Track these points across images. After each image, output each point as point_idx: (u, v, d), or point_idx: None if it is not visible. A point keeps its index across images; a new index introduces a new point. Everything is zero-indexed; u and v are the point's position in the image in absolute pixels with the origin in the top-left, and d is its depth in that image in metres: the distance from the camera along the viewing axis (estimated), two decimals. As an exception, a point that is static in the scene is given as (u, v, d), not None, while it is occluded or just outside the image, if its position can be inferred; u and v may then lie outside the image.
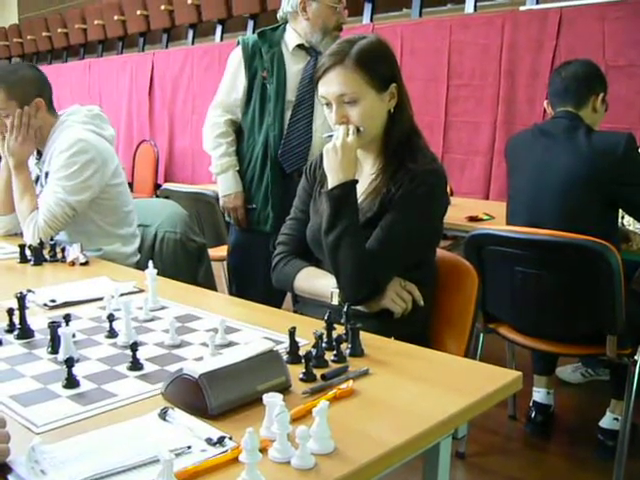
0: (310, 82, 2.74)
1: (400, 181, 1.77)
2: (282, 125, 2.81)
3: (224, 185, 2.93)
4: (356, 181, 1.79)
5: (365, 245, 1.74)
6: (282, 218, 2.06)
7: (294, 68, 2.85)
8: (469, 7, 4.98)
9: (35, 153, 2.57)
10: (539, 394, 2.91)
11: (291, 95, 2.82)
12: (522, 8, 4.47)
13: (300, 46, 2.86)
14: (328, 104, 1.82)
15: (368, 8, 5.55)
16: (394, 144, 1.84)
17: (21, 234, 2.50)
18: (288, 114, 2.82)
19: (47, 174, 2.45)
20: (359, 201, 1.80)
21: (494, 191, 4.32)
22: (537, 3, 4.55)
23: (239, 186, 2.91)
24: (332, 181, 1.78)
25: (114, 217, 2.51)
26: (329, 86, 1.80)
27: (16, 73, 2.48)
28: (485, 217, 3.10)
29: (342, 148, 1.76)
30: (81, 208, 2.40)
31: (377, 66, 1.80)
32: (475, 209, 3.27)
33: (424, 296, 1.80)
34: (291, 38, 2.88)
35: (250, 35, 2.94)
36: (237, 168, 2.92)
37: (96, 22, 8.38)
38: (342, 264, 1.74)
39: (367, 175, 1.88)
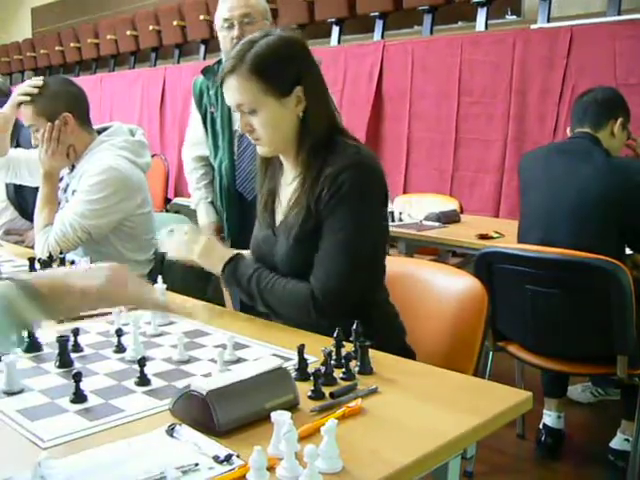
0: None
1: (320, 188, 1.64)
2: (232, 156, 2.85)
3: (199, 217, 3.05)
4: (231, 258, 1.74)
5: (289, 287, 1.66)
6: (240, 246, 2.04)
7: None
8: (480, 25, 5.00)
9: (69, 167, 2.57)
10: (550, 418, 2.87)
11: (238, 125, 2.84)
12: (533, 26, 4.48)
13: None
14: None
15: (379, 25, 5.58)
16: (306, 151, 1.69)
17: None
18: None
19: (73, 192, 2.45)
20: (285, 216, 1.73)
21: (504, 209, 4.31)
22: (548, 21, 4.56)
23: (210, 217, 3.00)
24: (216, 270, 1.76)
25: (134, 243, 2.50)
26: (228, 95, 1.69)
27: (46, 88, 2.46)
28: (495, 235, 3.09)
29: (200, 254, 1.75)
30: (97, 233, 2.40)
31: (275, 72, 1.64)
32: (485, 227, 3.26)
33: (379, 302, 1.77)
34: None
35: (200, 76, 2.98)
36: (209, 200, 3.02)
37: (108, 37, 8.44)
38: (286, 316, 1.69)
39: (289, 184, 1.77)
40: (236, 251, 1.80)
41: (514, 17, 5.36)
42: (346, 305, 1.64)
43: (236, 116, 2.73)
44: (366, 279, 1.70)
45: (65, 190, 2.55)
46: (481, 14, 5.01)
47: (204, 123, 2.95)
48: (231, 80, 1.66)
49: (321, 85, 1.73)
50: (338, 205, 1.63)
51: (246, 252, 1.90)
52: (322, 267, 1.65)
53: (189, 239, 1.80)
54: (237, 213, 2.84)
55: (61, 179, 2.58)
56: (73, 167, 2.53)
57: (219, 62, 2.89)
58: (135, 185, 2.45)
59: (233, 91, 1.67)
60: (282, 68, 1.66)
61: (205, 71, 2.90)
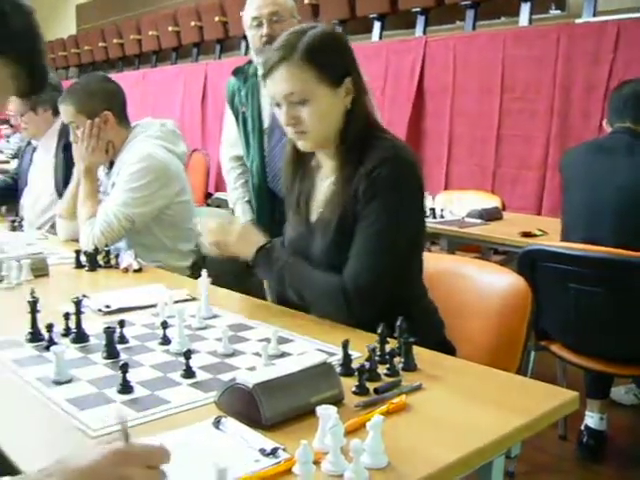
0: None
1: (356, 186, 1.63)
2: (262, 154, 2.85)
3: (236, 217, 3.05)
4: (265, 244, 1.77)
5: (322, 278, 1.67)
6: None
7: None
8: (524, 20, 4.93)
9: (107, 164, 2.62)
10: (592, 419, 2.82)
11: (267, 123, 2.84)
12: (578, 21, 4.41)
13: None
14: (278, 104, 1.69)
15: (421, 21, 5.54)
16: (350, 143, 1.68)
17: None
18: None
19: (114, 184, 2.49)
20: (322, 213, 1.73)
21: (546, 206, 4.26)
22: (594, 16, 4.48)
23: (247, 216, 3.01)
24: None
25: (175, 232, 2.54)
26: (276, 85, 1.65)
27: (86, 87, 2.55)
28: (538, 233, 3.05)
29: (237, 238, 1.79)
30: (140, 221, 2.43)
31: (328, 60, 1.64)
32: (528, 224, 3.22)
33: (417, 297, 1.76)
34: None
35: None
36: (245, 199, 3.03)
37: (151, 33, 8.53)
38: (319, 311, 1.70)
39: (326, 178, 1.77)
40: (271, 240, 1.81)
41: (558, 11, 5.28)
42: (378, 300, 1.63)
43: (265, 114, 2.79)
44: (399, 273, 1.68)
45: (105, 191, 2.60)
46: (524, 9, 4.94)
47: (237, 123, 2.97)
48: (280, 70, 1.63)
49: (362, 79, 1.73)
50: (372, 199, 1.62)
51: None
52: (354, 261, 1.64)
53: (226, 224, 1.81)
54: (269, 211, 2.83)
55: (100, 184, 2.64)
56: (111, 165, 2.59)
57: (249, 62, 2.91)
58: (173, 172, 2.50)
59: (283, 81, 1.63)
60: (335, 57, 1.66)
61: (236, 72, 2.92)
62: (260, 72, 2.65)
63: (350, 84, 1.66)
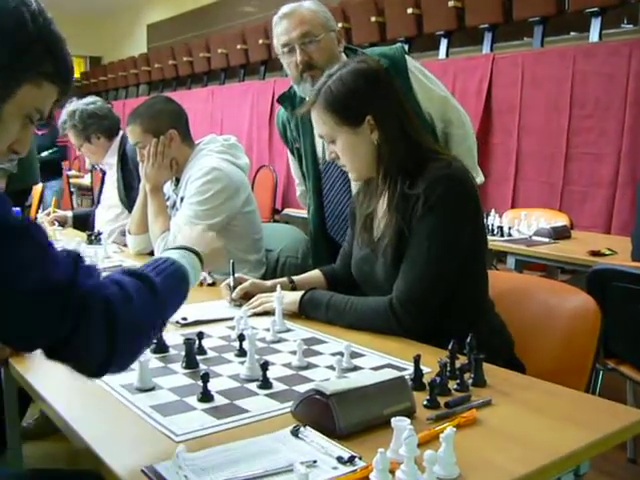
0: None
1: (410, 207, 1.70)
2: (317, 198, 2.52)
3: None
4: (304, 293, 1.87)
5: (368, 302, 1.76)
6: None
7: None
8: (594, 36, 4.88)
9: (174, 180, 2.72)
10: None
11: (322, 159, 2.50)
12: (651, 36, 4.36)
13: None
14: None
15: (488, 38, 5.54)
16: (382, 175, 1.78)
17: (152, 253, 2.64)
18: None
19: (182, 199, 2.58)
20: (382, 236, 1.79)
21: (616, 225, 4.20)
22: (668, 31, 4.43)
23: None
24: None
25: (244, 243, 2.60)
26: (315, 125, 1.85)
27: (152, 108, 2.67)
28: (608, 252, 3.03)
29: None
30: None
31: (345, 105, 1.75)
32: (597, 243, 3.20)
33: (484, 313, 1.78)
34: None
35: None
36: None
37: (219, 51, 8.73)
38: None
39: (381, 205, 1.84)
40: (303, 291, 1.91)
41: (630, 26, 5.20)
42: (425, 313, 1.68)
43: (319, 149, 2.48)
44: (449, 288, 1.71)
45: (173, 206, 2.69)
46: (595, 24, 4.89)
47: (294, 159, 2.66)
48: (313, 113, 1.81)
49: (395, 111, 1.77)
50: (425, 217, 1.67)
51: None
52: (403, 277, 1.70)
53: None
54: (327, 262, 2.23)
55: (167, 199, 2.75)
56: (177, 182, 2.69)
57: (292, 87, 2.53)
58: (238, 184, 2.57)
59: (316, 123, 1.83)
60: (352, 101, 1.76)
61: (281, 99, 2.59)
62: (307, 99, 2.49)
63: (372, 122, 1.75)
